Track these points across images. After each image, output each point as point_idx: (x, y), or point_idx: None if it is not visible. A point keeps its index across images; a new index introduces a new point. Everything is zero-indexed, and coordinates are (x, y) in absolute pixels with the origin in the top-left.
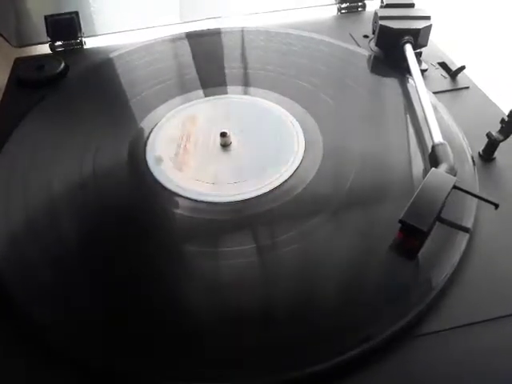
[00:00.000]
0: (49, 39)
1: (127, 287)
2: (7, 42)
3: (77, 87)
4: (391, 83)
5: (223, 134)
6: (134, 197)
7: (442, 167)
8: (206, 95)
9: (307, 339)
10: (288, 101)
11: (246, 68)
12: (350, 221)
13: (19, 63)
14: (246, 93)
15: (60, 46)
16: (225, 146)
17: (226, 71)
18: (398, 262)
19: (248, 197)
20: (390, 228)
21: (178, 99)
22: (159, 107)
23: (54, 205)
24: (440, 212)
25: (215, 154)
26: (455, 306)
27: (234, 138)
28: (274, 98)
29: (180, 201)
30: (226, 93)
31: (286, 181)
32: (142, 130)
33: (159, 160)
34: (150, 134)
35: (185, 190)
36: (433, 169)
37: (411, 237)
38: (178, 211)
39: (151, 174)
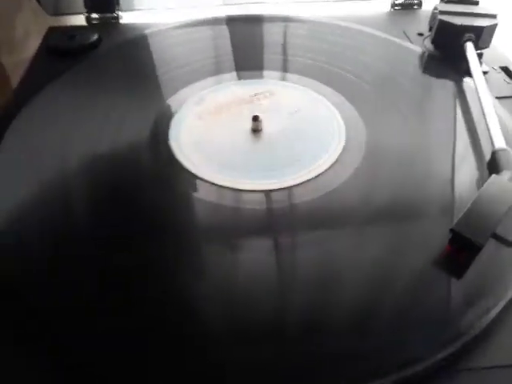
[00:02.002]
0: (85, 10)
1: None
2: (43, 9)
3: (107, 60)
4: (446, 83)
5: (255, 118)
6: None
7: (505, 175)
8: (240, 78)
9: (333, 360)
10: (333, 93)
11: (286, 55)
12: (388, 230)
13: (52, 31)
14: (285, 79)
15: (96, 18)
16: (256, 131)
17: (266, 57)
18: (442, 280)
19: (276, 187)
20: (434, 242)
21: (210, 80)
22: (189, 86)
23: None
24: (497, 226)
25: (244, 138)
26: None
27: (266, 124)
28: (317, 88)
29: (197, 182)
30: (263, 77)
31: (317, 176)
32: (168, 108)
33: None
34: (174, 113)
35: (203, 172)
36: (493, 175)
37: (462, 251)
38: (196, 194)
39: (173, 155)
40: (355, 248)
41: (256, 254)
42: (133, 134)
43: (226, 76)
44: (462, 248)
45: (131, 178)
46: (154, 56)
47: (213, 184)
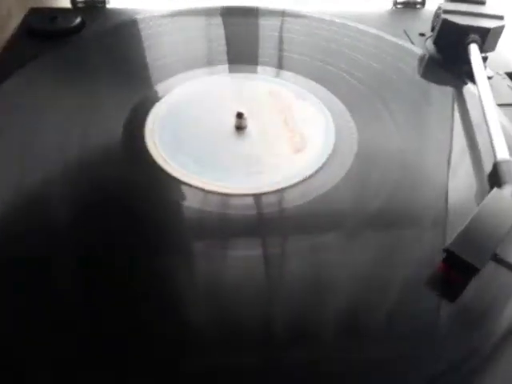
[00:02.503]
0: None
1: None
2: None
3: (89, 45)
4: (446, 88)
5: (239, 115)
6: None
7: (508, 189)
8: (230, 71)
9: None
10: (323, 90)
11: (280, 50)
12: (377, 241)
13: (33, 12)
14: (277, 75)
15: (81, 1)
16: (240, 128)
17: (258, 51)
18: (432, 301)
19: (261, 191)
20: (425, 259)
21: (197, 71)
22: (173, 77)
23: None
24: (497, 247)
25: (227, 136)
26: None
27: (251, 122)
28: (309, 87)
29: (175, 185)
30: (254, 72)
31: (306, 179)
32: (147, 99)
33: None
34: (155, 104)
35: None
36: (495, 189)
37: (456, 272)
38: (171, 196)
39: (147, 151)
40: (345, 255)
41: (242, 263)
42: (107, 127)
43: (214, 69)
44: (457, 268)
45: (103, 180)
46: (139, 44)
47: (191, 186)
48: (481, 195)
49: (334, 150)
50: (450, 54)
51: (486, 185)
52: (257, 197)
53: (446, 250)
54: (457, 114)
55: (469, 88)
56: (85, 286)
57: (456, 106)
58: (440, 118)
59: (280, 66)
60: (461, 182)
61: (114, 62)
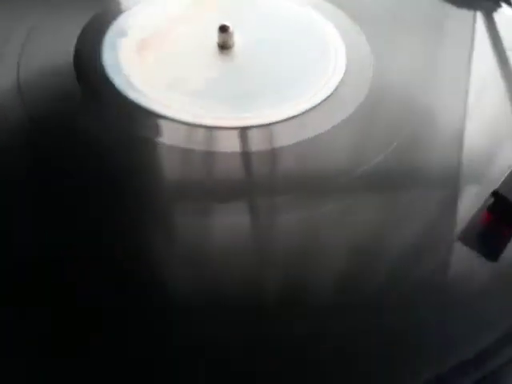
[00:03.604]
0: None
1: None
2: None
3: None
4: (476, 8)
5: (223, 29)
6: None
7: None
8: None
9: None
10: (330, 7)
11: None
12: (390, 192)
13: None
14: None
15: None
16: (224, 47)
17: None
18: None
19: (251, 123)
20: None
21: None
22: None
23: None
24: None
25: (209, 57)
26: None
27: (239, 39)
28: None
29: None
30: None
31: (305, 112)
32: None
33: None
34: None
35: (152, 101)
36: None
37: (505, 221)
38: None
39: (107, 78)
40: (345, 214)
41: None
42: (56, 50)
43: None
44: (507, 217)
45: (57, 111)
46: None
47: (169, 119)
48: None
49: (344, 79)
50: None
51: None
52: (242, 131)
53: (495, 194)
54: (487, 38)
55: (503, 11)
56: None
57: (487, 29)
58: (467, 43)
59: None
60: (490, 116)
61: None
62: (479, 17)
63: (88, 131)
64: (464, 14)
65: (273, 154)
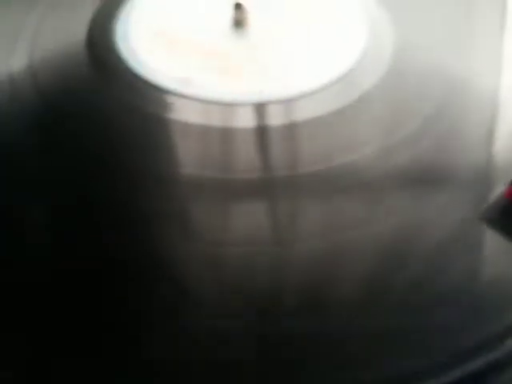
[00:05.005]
0: None
1: None
2: None
3: None
4: None
5: (238, 6)
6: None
7: None
8: None
9: None
10: None
11: None
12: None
13: None
14: None
15: None
16: (239, 24)
17: None
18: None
19: (268, 99)
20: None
21: None
22: None
23: None
24: None
25: (223, 35)
26: None
27: (254, 16)
28: None
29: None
30: None
31: (325, 86)
32: None
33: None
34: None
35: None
36: None
37: None
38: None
39: (120, 58)
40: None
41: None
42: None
43: None
44: None
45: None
46: None
47: (186, 97)
48: None
49: (366, 51)
50: None
51: None
52: (259, 106)
53: None
54: None
55: None
56: None
57: None
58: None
59: None
60: None
61: None
62: None
63: (102, 111)
64: None
65: (295, 129)
